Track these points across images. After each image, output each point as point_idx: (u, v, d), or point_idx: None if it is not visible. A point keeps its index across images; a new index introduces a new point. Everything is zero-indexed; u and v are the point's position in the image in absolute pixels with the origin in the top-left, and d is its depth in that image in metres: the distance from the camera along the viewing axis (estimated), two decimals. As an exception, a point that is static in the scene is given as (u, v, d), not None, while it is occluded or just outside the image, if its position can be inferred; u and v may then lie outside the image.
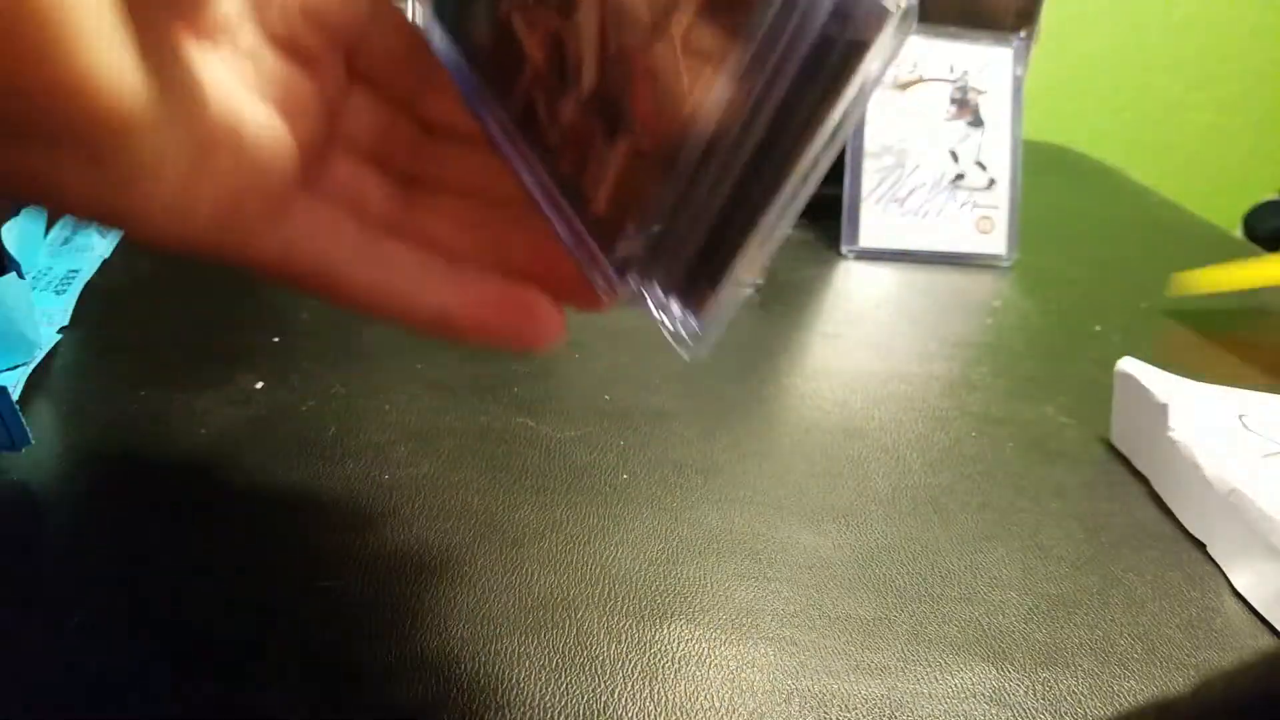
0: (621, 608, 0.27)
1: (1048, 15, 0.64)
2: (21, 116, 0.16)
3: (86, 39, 0.16)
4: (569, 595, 0.28)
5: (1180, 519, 0.33)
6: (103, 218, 0.19)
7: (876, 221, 0.57)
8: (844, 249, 0.56)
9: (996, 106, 0.59)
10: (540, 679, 0.25)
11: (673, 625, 0.27)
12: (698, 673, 0.25)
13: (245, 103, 0.20)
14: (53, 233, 0.45)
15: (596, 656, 0.26)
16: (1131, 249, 0.68)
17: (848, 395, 0.40)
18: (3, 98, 0.15)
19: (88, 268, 0.43)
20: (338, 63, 0.23)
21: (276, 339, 0.39)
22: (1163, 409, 0.35)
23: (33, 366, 0.35)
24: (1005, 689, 0.26)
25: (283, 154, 0.21)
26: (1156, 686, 0.27)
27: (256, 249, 0.21)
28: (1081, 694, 0.26)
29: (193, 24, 0.19)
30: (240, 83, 0.20)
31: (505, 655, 0.25)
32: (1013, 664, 0.27)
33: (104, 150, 0.17)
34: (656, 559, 0.29)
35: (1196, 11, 1.64)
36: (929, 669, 0.26)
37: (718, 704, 0.24)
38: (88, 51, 0.16)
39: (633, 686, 0.25)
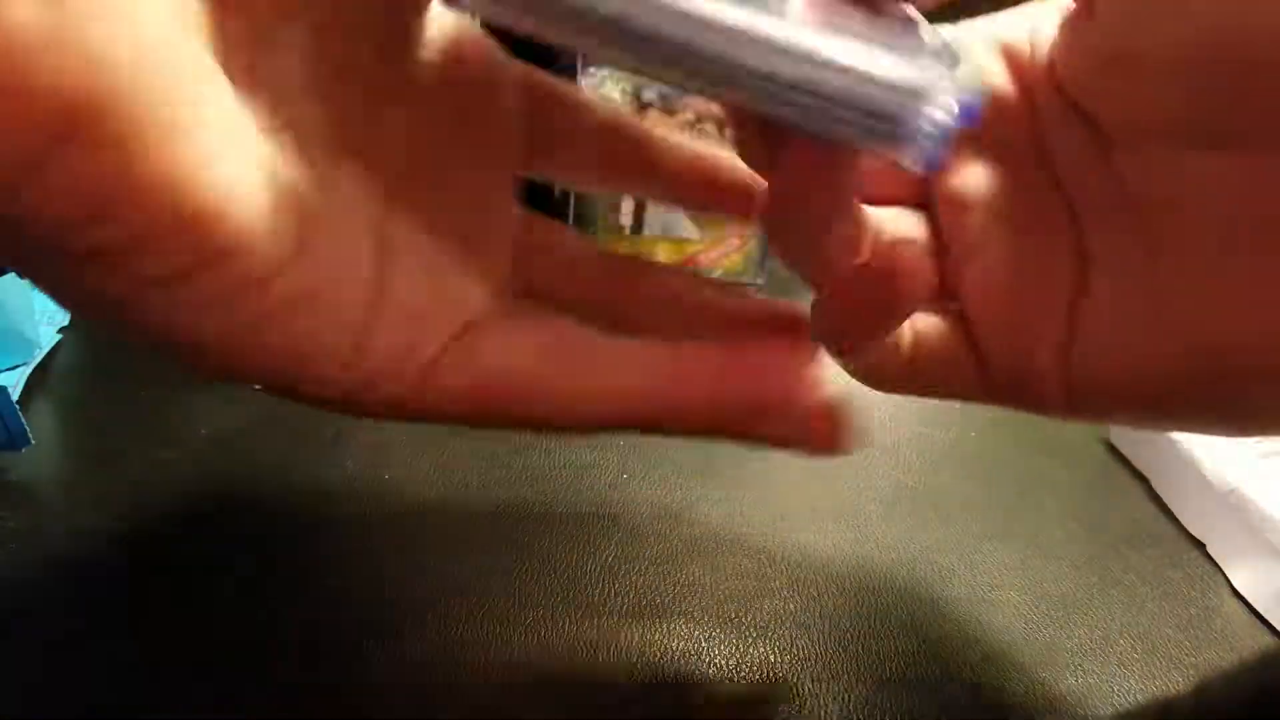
0: (621, 607, 0.27)
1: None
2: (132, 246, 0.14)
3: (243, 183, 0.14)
4: (569, 595, 0.28)
5: (1180, 519, 0.33)
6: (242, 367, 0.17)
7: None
8: (844, 248, 0.56)
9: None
10: (541, 678, 0.25)
11: (672, 624, 0.27)
12: (697, 671, 0.25)
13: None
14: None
15: (597, 656, 0.26)
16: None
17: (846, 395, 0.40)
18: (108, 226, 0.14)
19: (88, 267, 0.43)
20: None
21: (276, 339, 0.39)
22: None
23: (33, 366, 0.35)
24: (1005, 688, 0.26)
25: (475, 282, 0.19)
26: (1156, 686, 0.27)
27: (436, 384, 0.18)
28: (1081, 694, 0.26)
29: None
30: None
31: (506, 654, 0.25)
32: (1013, 663, 0.27)
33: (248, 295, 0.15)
34: (656, 558, 0.29)
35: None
36: (929, 668, 0.26)
37: (717, 703, 0.24)
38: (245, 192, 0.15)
39: (633, 686, 0.25)
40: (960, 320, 0.21)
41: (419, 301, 0.18)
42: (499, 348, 0.19)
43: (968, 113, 0.15)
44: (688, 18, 0.14)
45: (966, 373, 0.21)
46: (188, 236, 0.14)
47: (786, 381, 0.19)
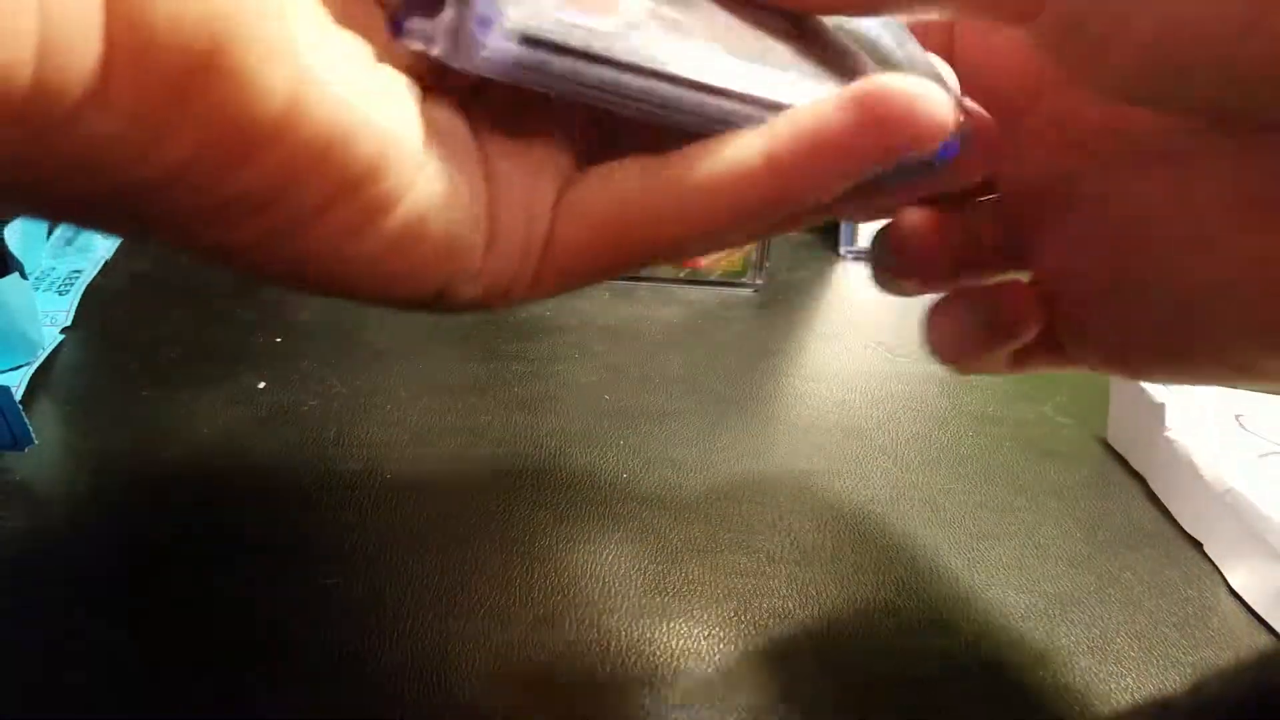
0: (621, 605, 0.27)
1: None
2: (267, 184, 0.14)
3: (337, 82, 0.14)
4: (570, 593, 0.28)
5: (1177, 518, 0.33)
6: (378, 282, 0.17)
7: (875, 223, 0.57)
8: (843, 249, 0.56)
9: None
10: (541, 677, 0.25)
11: (672, 623, 0.27)
12: (696, 669, 0.25)
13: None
14: (55, 234, 0.46)
15: (596, 654, 0.26)
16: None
17: (846, 395, 0.40)
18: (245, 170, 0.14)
19: (90, 268, 0.43)
20: None
21: (278, 339, 0.39)
22: (1160, 408, 0.35)
23: (35, 366, 0.35)
24: (1002, 687, 0.26)
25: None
26: (1153, 685, 0.27)
27: (559, 245, 0.18)
28: (1078, 691, 0.26)
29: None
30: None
31: (507, 653, 0.25)
32: (1010, 662, 0.27)
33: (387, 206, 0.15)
34: (656, 557, 0.29)
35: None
36: (927, 666, 0.26)
37: (717, 702, 0.25)
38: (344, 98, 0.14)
39: (633, 686, 0.25)
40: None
41: (526, 181, 0.18)
42: (600, 186, 0.18)
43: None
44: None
45: (1048, 351, 0.23)
46: (324, 166, 0.15)
47: (907, 99, 0.17)
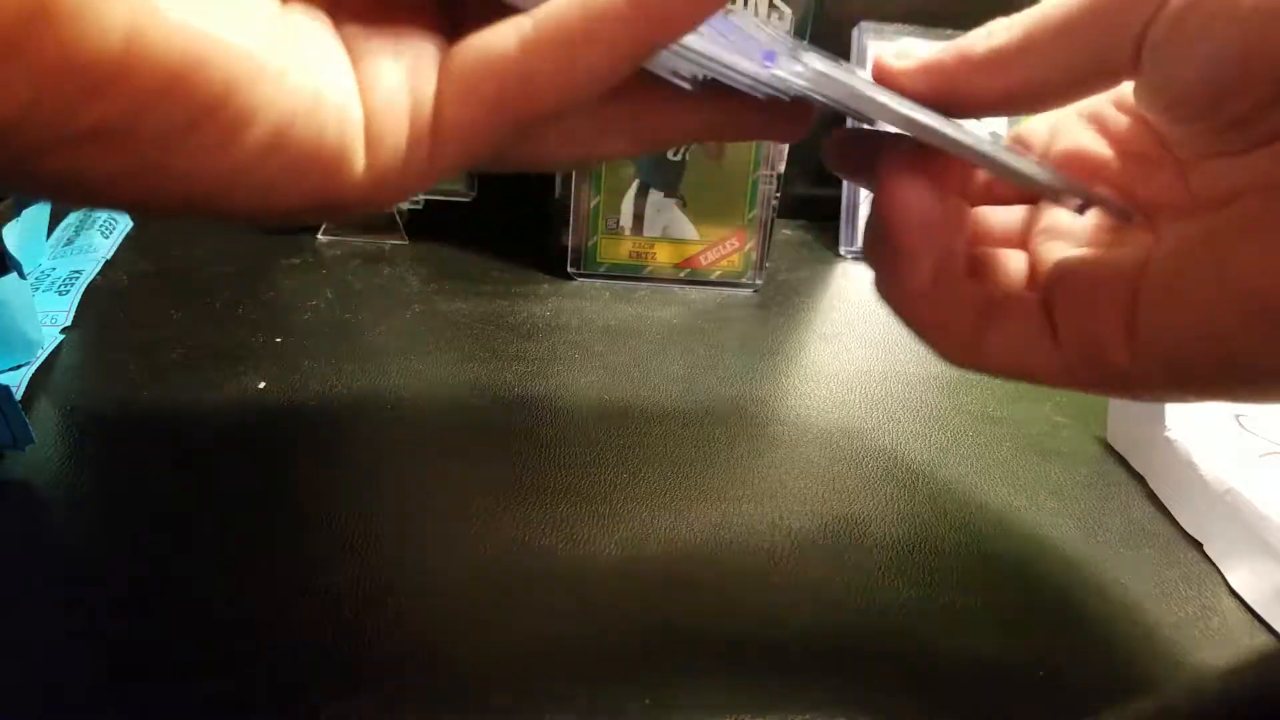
0: (622, 605, 0.27)
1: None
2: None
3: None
4: (569, 594, 0.28)
5: (1177, 519, 0.33)
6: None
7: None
8: (843, 250, 0.56)
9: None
10: (541, 678, 0.25)
11: (673, 624, 0.27)
12: (697, 670, 0.25)
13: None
14: (55, 234, 0.46)
15: (597, 655, 0.26)
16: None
17: (846, 395, 0.40)
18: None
19: (90, 268, 0.43)
20: None
21: (278, 339, 0.39)
22: (1159, 409, 0.35)
23: (35, 366, 0.35)
24: (1002, 687, 0.26)
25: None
26: (1153, 685, 0.27)
27: (443, 129, 0.18)
28: (1078, 691, 0.26)
29: None
30: None
31: (507, 655, 0.25)
32: (1010, 663, 0.27)
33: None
34: (657, 556, 0.29)
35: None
36: (927, 666, 0.26)
37: (717, 704, 0.25)
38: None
39: (634, 686, 0.25)
40: (1042, 304, 0.23)
41: (399, 69, 0.18)
42: (476, 58, 0.18)
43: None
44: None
45: (1044, 350, 0.23)
46: (175, 94, 0.15)
47: None
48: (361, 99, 0.18)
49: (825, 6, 0.49)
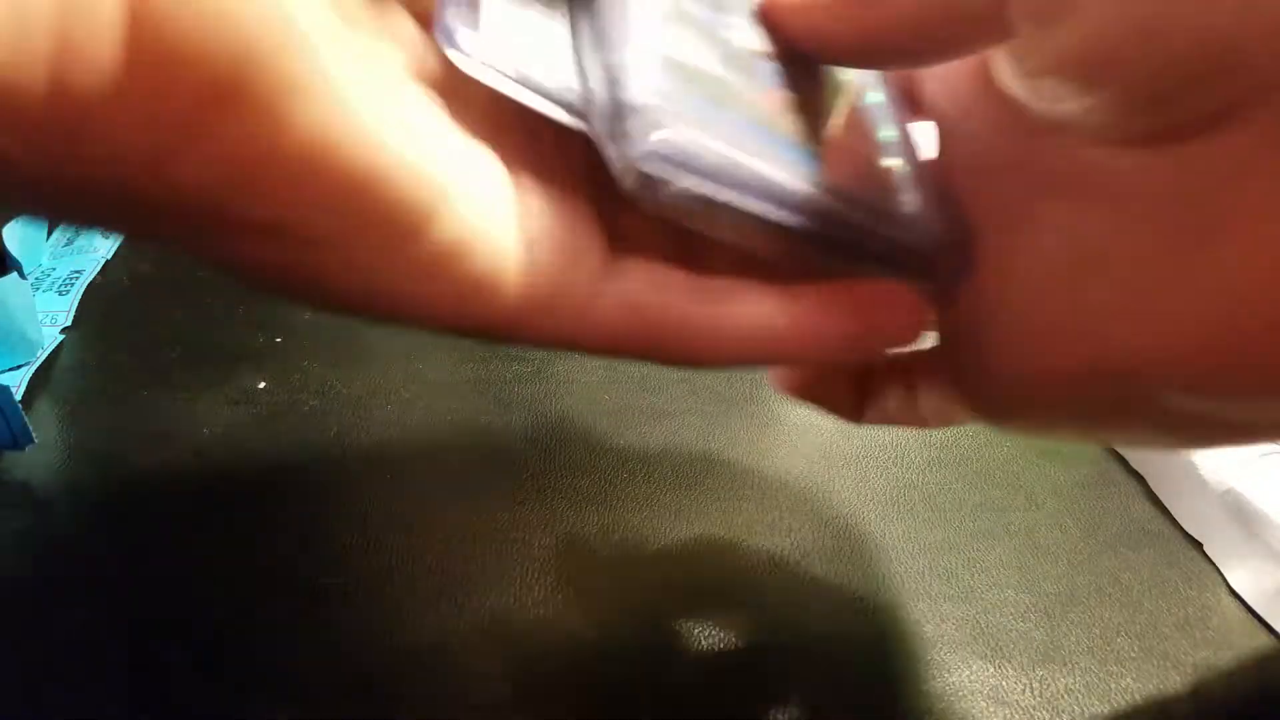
0: (623, 607, 0.27)
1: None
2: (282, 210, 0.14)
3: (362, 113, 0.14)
4: (570, 595, 0.28)
5: (1177, 518, 0.33)
6: (379, 305, 0.17)
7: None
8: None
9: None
10: (541, 679, 0.25)
11: (674, 625, 0.27)
12: (698, 671, 0.25)
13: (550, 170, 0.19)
14: (55, 234, 0.46)
15: (598, 656, 0.26)
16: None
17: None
18: (249, 192, 0.14)
19: (90, 268, 0.43)
20: None
21: (278, 339, 0.39)
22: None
23: (35, 366, 0.35)
24: (1003, 687, 0.26)
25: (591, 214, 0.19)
26: (1153, 685, 0.27)
27: (595, 315, 0.19)
28: (1079, 692, 0.26)
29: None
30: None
31: (507, 655, 0.25)
32: (1010, 662, 0.27)
33: (395, 239, 0.15)
34: (657, 558, 0.29)
35: None
36: (927, 667, 0.26)
37: (718, 704, 0.24)
38: (371, 128, 0.14)
39: (634, 686, 0.25)
40: (904, 370, 0.24)
41: (563, 238, 0.18)
42: (649, 284, 0.19)
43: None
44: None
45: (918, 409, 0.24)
46: (340, 202, 0.14)
47: (907, 311, 0.20)
48: (524, 236, 0.18)
49: None
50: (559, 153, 0.19)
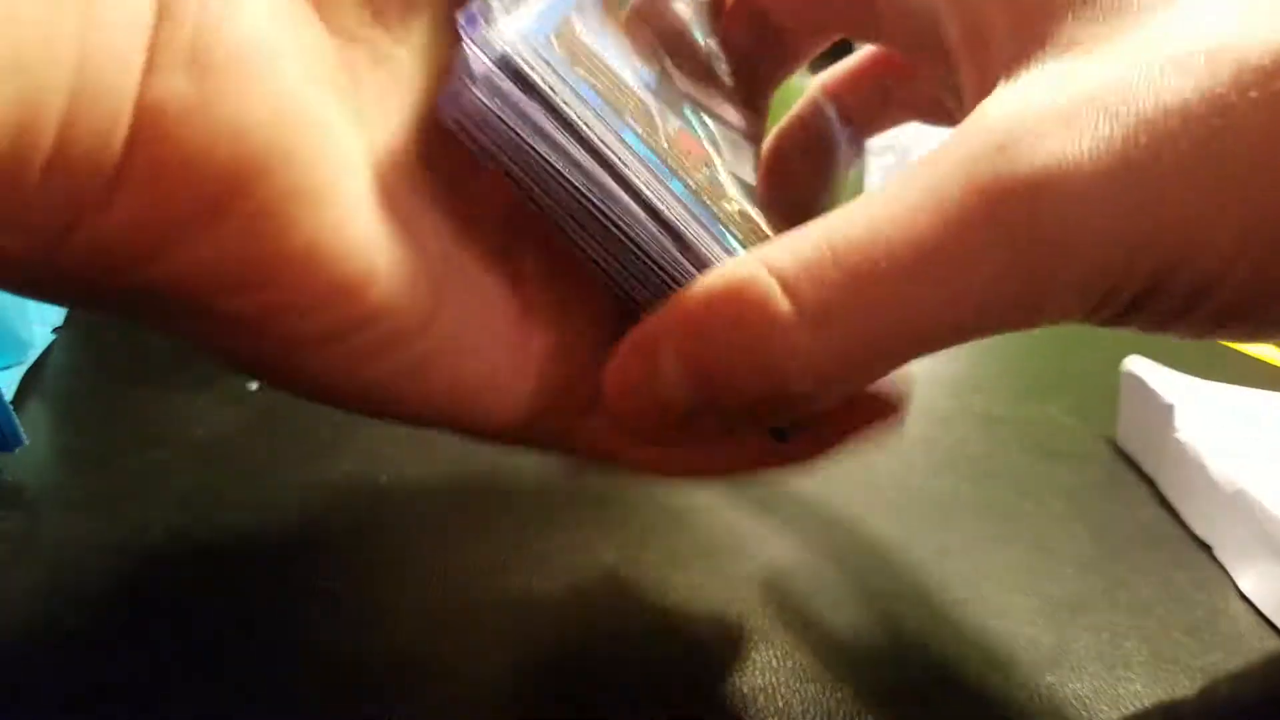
0: (623, 611, 0.27)
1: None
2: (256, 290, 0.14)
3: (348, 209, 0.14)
4: (569, 598, 0.27)
5: (1186, 521, 0.33)
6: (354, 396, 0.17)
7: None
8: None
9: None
10: (541, 681, 0.24)
11: (675, 629, 0.27)
12: (699, 675, 0.25)
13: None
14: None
15: (597, 660, 0.25)
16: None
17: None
18: (235, 268, 0.14)
19: (83, 267, 0.43)
20: None
21: (273, 338, 0.39)
22: (1169, 410, 0.34)
23: (26, 367, 0.35)
24: (1010, 693, 0.26)
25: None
26: (1162, 690, 0.26)
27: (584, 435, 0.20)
28: (1087, 697, 0.26)
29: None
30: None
31: (505, 657, 0.25)
32: (1018, 667, 0.26)
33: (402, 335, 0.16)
34: (659, 562, 0.29)
35: None
36: (932, 673, 0.26)
37: (719, 709, 0.24)
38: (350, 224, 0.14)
39: (635, 689, 0.24)
40: None
41: (563, 345, 0.18)
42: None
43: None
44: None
45: None
46: (335, 303, 0.15)
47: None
48: (519, 346, 0.18)
49: None
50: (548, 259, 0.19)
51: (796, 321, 0.14)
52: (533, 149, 0.15)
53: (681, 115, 0.19)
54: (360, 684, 0.24)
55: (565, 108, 0.15)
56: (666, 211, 0.16)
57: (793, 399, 0.15)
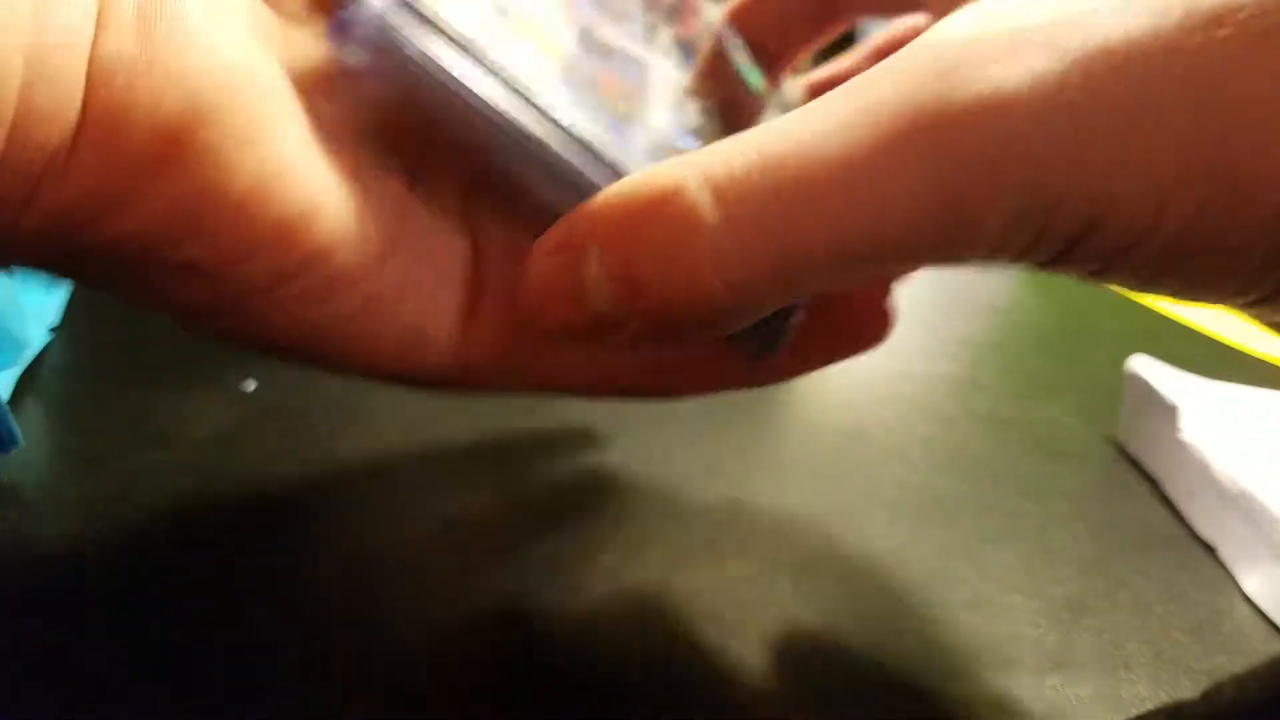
0: (623, 610, 0.27)
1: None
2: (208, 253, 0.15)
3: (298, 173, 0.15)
4: (570, 600, 0.27)
5: (1190, 522, 0.33)
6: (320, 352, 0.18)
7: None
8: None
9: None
10: (540, 682, 0.24)
11: (675, 629, 0.27)
12: (699, 675, 0.25)
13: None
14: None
15: (597, 661, 0.25)
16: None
17: (852, 396, 0.39)
18: (186, 237, 0.14)
19: (81, 266, 0.43)
20: None
21: (271, 338, 0.39)
22: (1173, 410, 0.34)
23: (22, 367, 0.35)
24: (1012, 694, 0.25)
25: None
26: (1165, 691, 0.26)
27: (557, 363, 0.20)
28: (1089, 699, 0.26)
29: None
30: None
31: (503, 657, 0.25)
32: (1020, 669, 0.26)
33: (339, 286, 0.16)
34: (659, 562, 0.29)
35: None
36: (935, 675, 0.26)
37: (719, 711, 0.24)
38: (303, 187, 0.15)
39: (635, 689, 0.24)
40: None
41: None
42: None
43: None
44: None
45: None
46: (281, 242, 0.15)
47: None
48: (471, 287, 0.18)
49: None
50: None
51: (720, 227, 0.14)
52: (420, 67, 0.16)
53: (609, 60, 0.19)
54: (361, 683, 0.24)
55: (446, 25, 0.16)
56: (567, 118, 0.16)
57: (714, 313, 0.15)
